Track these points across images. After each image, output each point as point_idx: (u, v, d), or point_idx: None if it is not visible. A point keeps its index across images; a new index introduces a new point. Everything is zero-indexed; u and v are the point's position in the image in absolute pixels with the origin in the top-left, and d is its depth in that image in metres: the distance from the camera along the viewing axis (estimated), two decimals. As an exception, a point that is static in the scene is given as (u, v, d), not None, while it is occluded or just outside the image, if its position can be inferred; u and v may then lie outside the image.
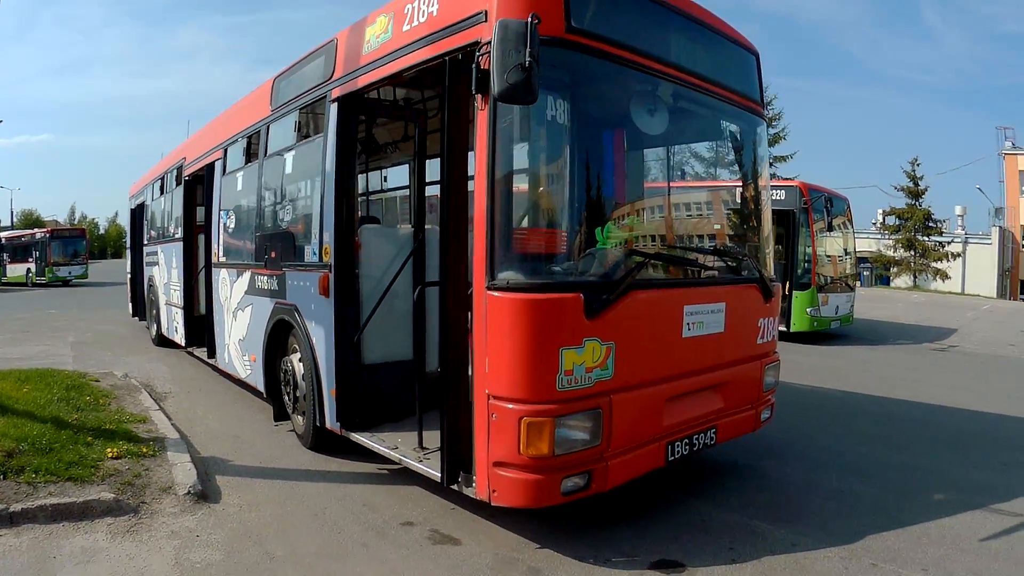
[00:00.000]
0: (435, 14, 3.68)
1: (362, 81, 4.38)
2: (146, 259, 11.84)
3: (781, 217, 12.89)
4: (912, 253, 36.67)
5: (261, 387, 6.24)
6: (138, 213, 12.68)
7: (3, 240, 34.33)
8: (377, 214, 7.68)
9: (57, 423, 5.11)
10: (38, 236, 33.06)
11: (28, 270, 32.31)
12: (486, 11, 3.27)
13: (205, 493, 4.42)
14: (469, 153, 3.51)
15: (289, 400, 5.77)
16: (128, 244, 14.17)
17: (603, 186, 3.94)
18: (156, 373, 8.79)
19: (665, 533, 3.86)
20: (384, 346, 4.97)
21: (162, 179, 10.36)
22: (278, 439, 5.81)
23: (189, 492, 4.31)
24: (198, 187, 8.48)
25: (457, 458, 3.59)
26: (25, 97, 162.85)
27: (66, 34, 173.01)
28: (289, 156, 5.55)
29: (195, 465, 4.82)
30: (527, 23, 2.90)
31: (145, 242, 12.00)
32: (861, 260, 40.80)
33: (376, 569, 3.49)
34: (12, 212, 63.76)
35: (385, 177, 7.87)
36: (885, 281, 39.30)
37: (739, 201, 4.89)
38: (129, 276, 13.73)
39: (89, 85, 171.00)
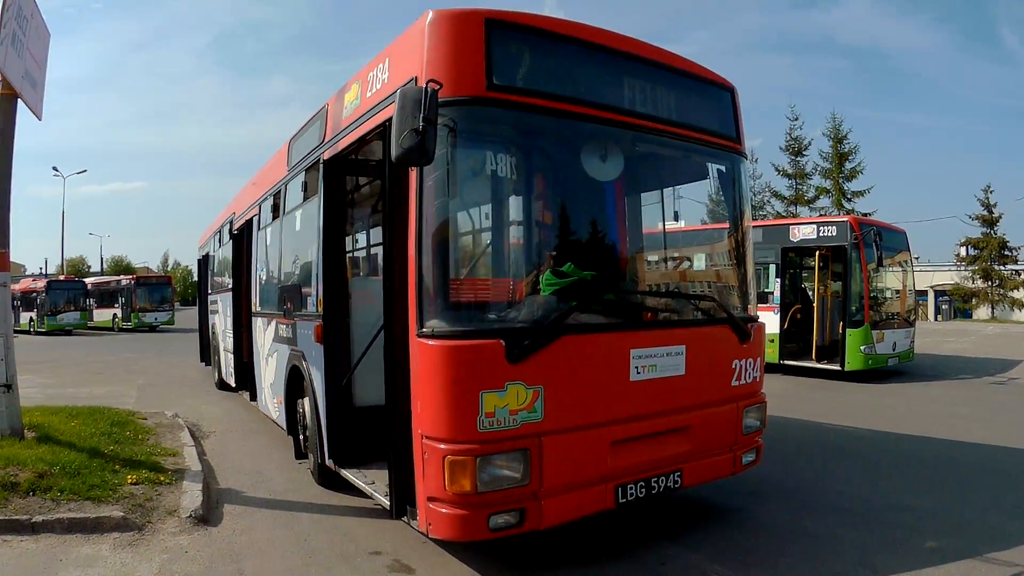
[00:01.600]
0: (386, 81, 4.11)
1: (342, 144, 4.88)
2: (210, 307, 13.12)
3: (834, 254, 12.86)
4: (989, 283, 35.29)
5: (285, 427, 6.93)
6: (203, 263, 14.08)
7: (90, 286, 37.34)
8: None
9: (93, 453, 5.97)
10: (124, 283, 36.08)
11: (115, 315, 35.22)
12: (416, 77, 3.62)
13: (206, 517, 5.07)
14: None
15: (302, 439, 6.41)
16: (198, 293, 15.63)
17: (534, 236, 4.29)
18: (207, 414, 9.72)
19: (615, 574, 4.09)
20: (376, 389, 5.45)
21: (219, 231, 11.60)
22: (296, 475, 6.44)
23: (191, 516, 4.98)
24: (244, 240, 9.52)
25: (403, 492, 3.93)
26: (119, 144, 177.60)
27: (156, 82, 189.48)
28: (298, 214, 6.30)
29: (205, 493, 5.52)
30: (423, 89, 3.29)
31: (209, 291, 13.32)
32: (939, 294, 38.76)
33: (327, 588, 3.99)
34: (102, 259, 69.69)
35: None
36: (967, 315, 37.27)
37: (710, 242, 5.21)
38: (199, 324, 15.06)
39: (182, 133, 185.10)
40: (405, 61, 3.87)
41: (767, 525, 4.94)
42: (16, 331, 32.41)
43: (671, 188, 5.26)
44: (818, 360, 13.05)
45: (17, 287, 36.87)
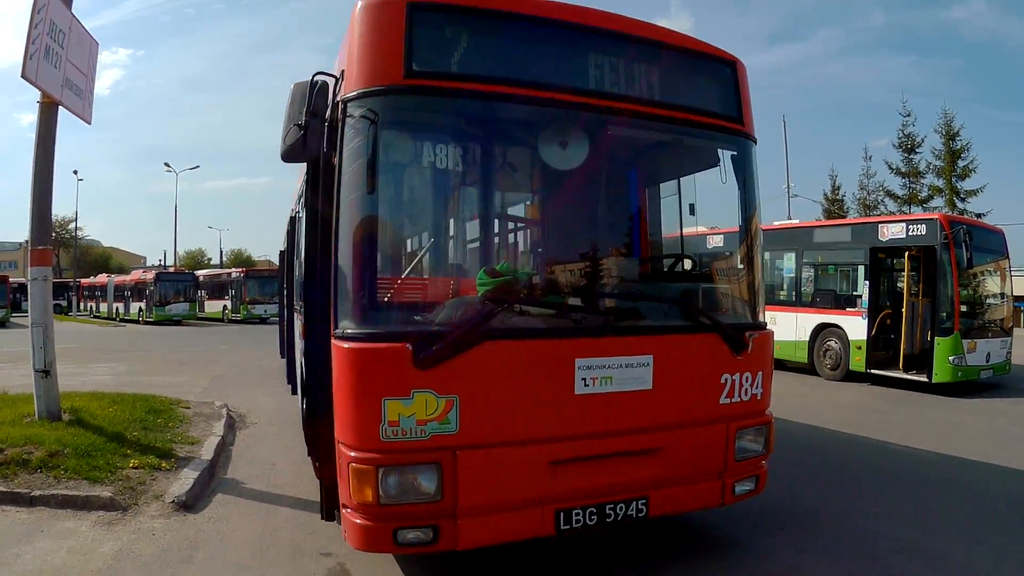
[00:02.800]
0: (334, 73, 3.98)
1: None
2: (286, 300, 14.02)
3: (925, 255, 11.91)
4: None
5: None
6: (280, 256, 15.10)
7: (202, 278, 40.47)
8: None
9: (114, 437, 6.66)
10: (234, 275, 39.01)
11: (224, 307, 38.24)
12: (343, 70, 3.56)
13: (189, 504, 5.53)
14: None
15: None
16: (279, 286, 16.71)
17: (463, 232, 4.17)
18: (260, 406, 10.35)
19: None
20: None
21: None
22: (306, 470, 6.75)
23: (174, 501, 5.45)
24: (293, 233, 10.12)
25: (333, 496, 3.78)
26: (243, 140, 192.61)
27: (281, 81, 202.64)
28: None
29: (200, 481, 6.01)
30: (307, 83, 3.31)
31: (285, 285, 14.27)
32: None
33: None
34: (221, 251, 75.17)
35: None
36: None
37: (697, 238, 4.88)
38: (278, 317, 16.04)
39: None
40: (341, 53, 3.81)
41: (761, 564, 4.46)
42: (125, 320, 36.27)
43: (660, 177, 4.97)
44: (905, 370, 12.17)
45: (127, 278, 40.90)
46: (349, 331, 3.34)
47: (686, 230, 4.89)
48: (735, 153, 4.38)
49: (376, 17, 3.44)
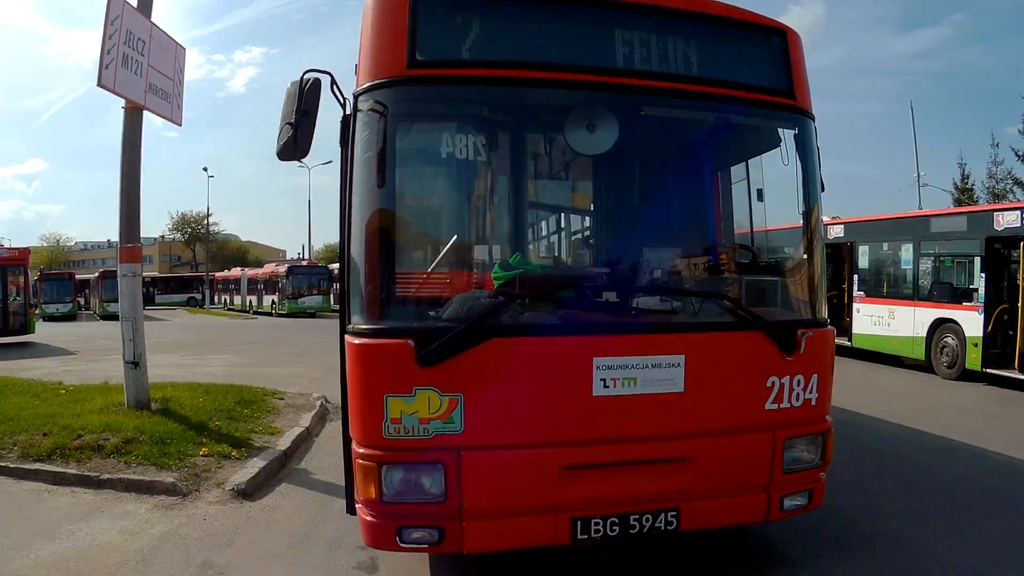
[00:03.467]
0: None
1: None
2: None
3: None
4: None
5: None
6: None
7: (336, 271, 42.43)
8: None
9: (194, 426, 7.00)
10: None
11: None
12: (356, 65, 3.56)
13: (248, 492, 5.67)
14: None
15: None
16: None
17: (476, 224, 3.96)
18: None
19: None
20: None
21: None
22: None
23: (233, 489, 5.62)
24: None
25: (351, 491, 3.73)
26: None
27: None
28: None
29: (264, 471, 6.17)
30: (299, 80, 3.27)
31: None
32: None
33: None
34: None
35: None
36: None
37: (745, 226, 4.30)
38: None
39: None
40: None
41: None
42: (258, 312, 38.78)
43: (700, 161, 4.45)
44: (1020, 370, 10.95)
45: (260, 272, 43.68)
46: (357, 326, 3.33)
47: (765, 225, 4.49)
48: (789, 131, 3.94)
49: (383, 9, 3.40)
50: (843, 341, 13.90)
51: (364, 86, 3.37)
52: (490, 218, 4.13)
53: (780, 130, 3.96)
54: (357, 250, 3.39)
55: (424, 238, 3.92)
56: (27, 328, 20.37)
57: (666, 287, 3.86)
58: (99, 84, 6.39)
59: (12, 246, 25.25)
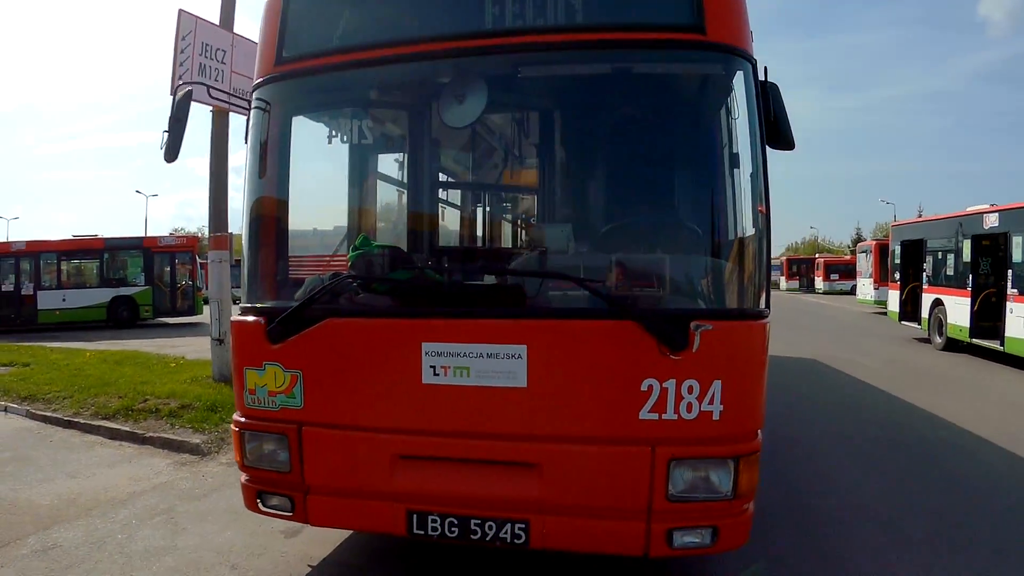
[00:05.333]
0: None
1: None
2: None
3: None
4: None
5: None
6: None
7: None
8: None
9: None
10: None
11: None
12: None
13: (261, 458, 6.32)
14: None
15: None
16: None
17: (335, 208, 3.98)
18: None
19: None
20: None
21: None
22: None
23: (247, 453, 6.30)
24: None
25: None
26: None
27: None
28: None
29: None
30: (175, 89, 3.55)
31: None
32: None
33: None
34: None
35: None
36: None
37: (654, 195, 3.76)
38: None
39: None
40: None
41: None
42: None
43: (597, 123, 3.94)
44: None
45: None
46: (242, 304, 3.63)
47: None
48: (709, 75, 3.34)
49: (264, 14, 3.61)
50: (994, 344, 12.11)
51: (253, 86, 3.62)
52: (356, 202, 4.14)
53: (696, 75, 3.38)
54: (245, 237, 3.67)
55: (297, 224, 3.98)
56: (194, 310, 22.90)
57: (499, 268, 3.55)
58: (171, 94, 7.43)
59: (181, 234, 28.02)
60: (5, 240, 22.69)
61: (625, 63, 3.37)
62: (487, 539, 3.13)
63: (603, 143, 3.93)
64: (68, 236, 23.04)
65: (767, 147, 3.25)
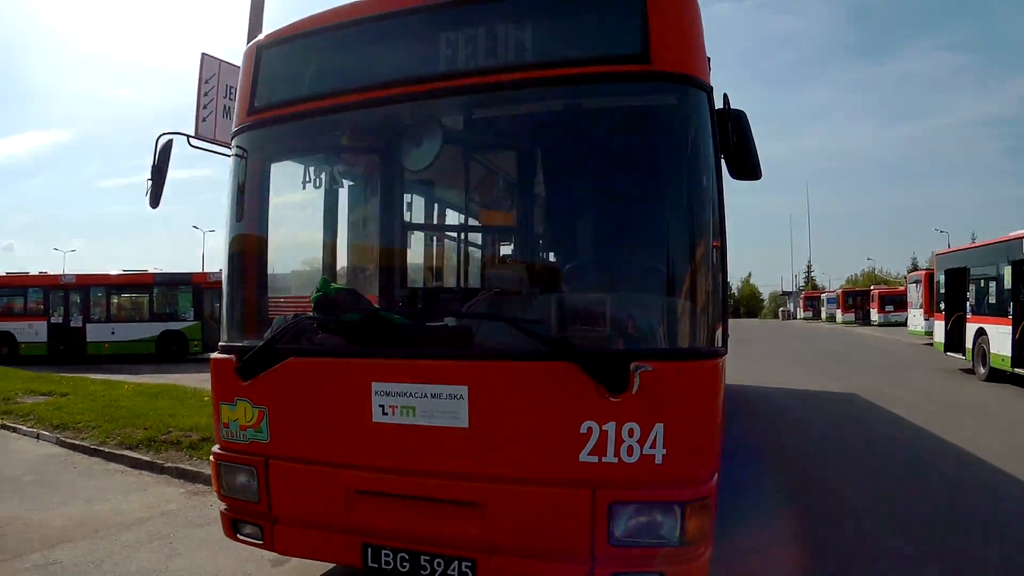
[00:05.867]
0: None
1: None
2: None
3: None
4: None
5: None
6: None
7: None
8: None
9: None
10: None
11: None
12: None
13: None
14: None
15: None
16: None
17: (300, 251, 4.18)
18: None
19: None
20: None
21: None
22: None
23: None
24: None
25: None
26: None
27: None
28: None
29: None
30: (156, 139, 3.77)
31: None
32: None
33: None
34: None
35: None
36: None
37: (580, 228, 3.79)
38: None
39: None
40: None
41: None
42: None
43: (547, 161, 3.99)
44: None
45: None
46: (220, 343, 3.84)
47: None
48: (660, 106, 3.25)
49: (241, 65, 3.88)
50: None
51: (231, 134, 3.86)
52: (329, 244, 4.28)
53: (644, 107, 3.30)
54: (224, 277, 3.92)
55: (272, 266, 4.13)
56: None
57: (439, 310, 3.62)
58: (195, 135, 7.55)
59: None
60: (58, 273, 23.60)
61: (571, 98, 3.35)
62: (436, 575, 3.19)
63: (554, 181, 4.02)
64: (121, 270, 23.98)
65: (736, 178, 3.25)
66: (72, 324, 22.23)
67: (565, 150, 3.81)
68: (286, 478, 3.46)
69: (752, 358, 20.35)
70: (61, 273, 23.31)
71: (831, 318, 53.95)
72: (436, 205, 4.18)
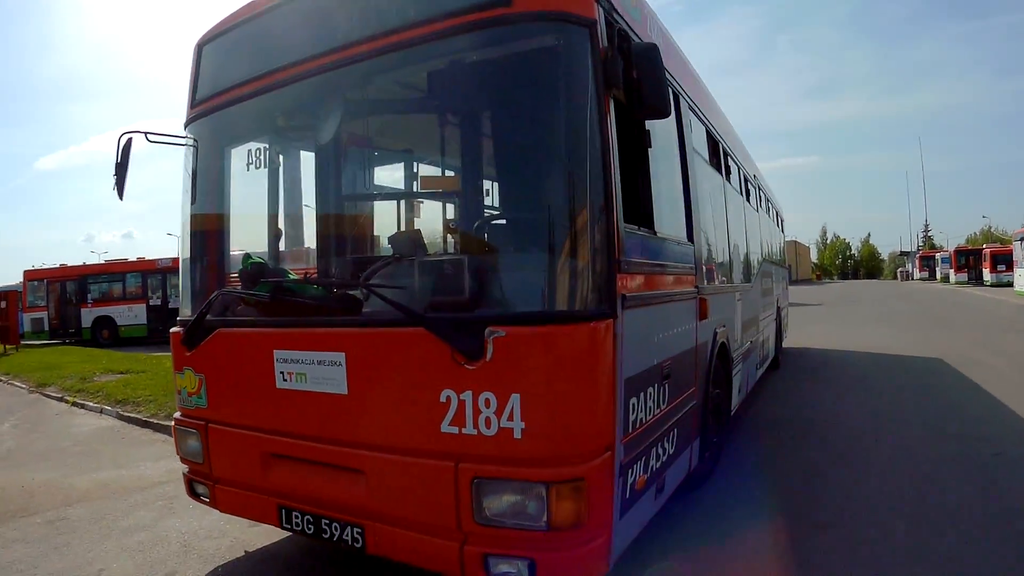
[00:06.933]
0: None
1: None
2: None
3: None
4: None
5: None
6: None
7: None
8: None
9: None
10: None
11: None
12: None
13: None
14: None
15: None
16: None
17: (238, 227, 4.28)
18: None
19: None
20: None
21: None
22: None
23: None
24: None
25: None
26: (782, 121, 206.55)
27: (806, 58, 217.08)
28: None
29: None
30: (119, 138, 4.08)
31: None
32: None
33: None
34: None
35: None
36: None
37: (469, 187, 3.79)
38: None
39: (842, 106, 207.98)
40: None
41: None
42: None
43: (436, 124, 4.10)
44: None
45: None
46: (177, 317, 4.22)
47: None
48: (520, 50, 3.12)
49: (192, 60, 4.18)
50: None
51: (183, 125, 4.19)
52: (272, 221, 4.43)
53: (515, 53, 3.13)
54: (180, 256, 4.29)
55: (220, 244, 4.31)
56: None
57: (332, 276, 3.73)
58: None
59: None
60: (155, 258, 25.38)
61: (450, 54, 3.24)
62: (335, 539, 3.31)
63: (442, 143, 4.20)
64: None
65: (639, 116, 3.12)
66: (170, 306, 23.65)
67: (446, 110, 3.91)
68: (220, 441, 3.76)
69: (851, 321, 19.82)
70: (158, 258, 24.98)
71: (945, 278, 51.43)
72: (356, 176, 4.24)
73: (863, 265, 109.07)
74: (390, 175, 4.83)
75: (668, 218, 3.88)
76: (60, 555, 4.32)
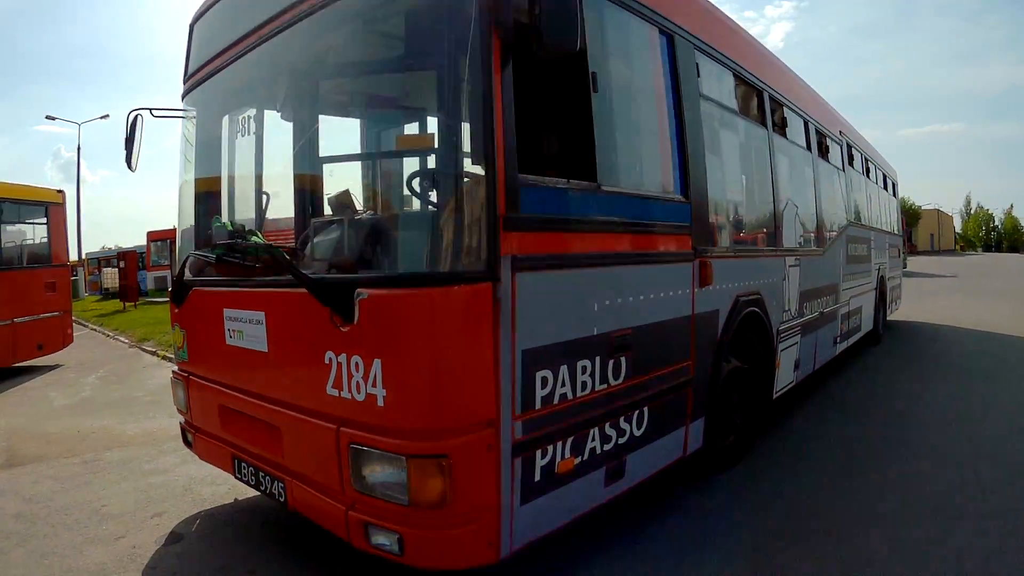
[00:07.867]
0: None
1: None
2: None
3: None
4: None
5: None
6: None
7: None
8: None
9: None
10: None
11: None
12: None
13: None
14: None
15: None
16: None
17: (228, 196, 4.45)
18: None
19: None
20: None
21: None
22: None
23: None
24: None
25: None
26: (927, 86, 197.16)
27: (950, 22, 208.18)
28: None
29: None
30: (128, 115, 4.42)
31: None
32: None
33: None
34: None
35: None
36: None
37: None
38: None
39: (989, 73, 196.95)
40: None
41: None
42: None
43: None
44: None
45: None
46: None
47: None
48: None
49: (186, 37, 4.43)
50: None
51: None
52: (255, 186, 4.47)
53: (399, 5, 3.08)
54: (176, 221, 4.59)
55: (203, 208, 4.43)
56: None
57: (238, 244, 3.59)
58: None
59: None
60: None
61: (341, 10, 3.13)
62: (268, 493, 3.42)
63: (352, 106, 4.41)
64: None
65: (543, 56, 2.67)
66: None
67: (348, 72, 3.93)
68: (196, 392, 4.07)
69: (977, 294, 18.69)
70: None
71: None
72: (320, 140, 4.26)
73: (1005, 238, 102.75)
74: (348, 141, 4.85)
75: (639, 171, 3.66)
76: (77, 491, 4.75)
